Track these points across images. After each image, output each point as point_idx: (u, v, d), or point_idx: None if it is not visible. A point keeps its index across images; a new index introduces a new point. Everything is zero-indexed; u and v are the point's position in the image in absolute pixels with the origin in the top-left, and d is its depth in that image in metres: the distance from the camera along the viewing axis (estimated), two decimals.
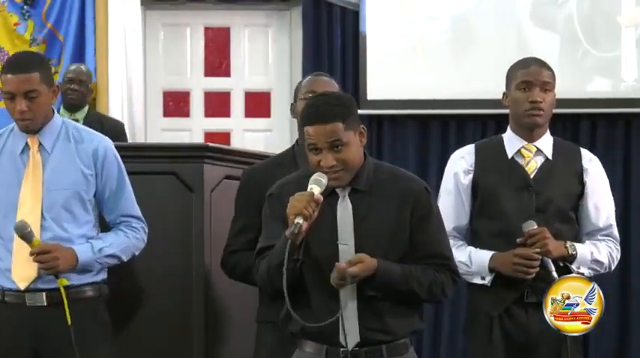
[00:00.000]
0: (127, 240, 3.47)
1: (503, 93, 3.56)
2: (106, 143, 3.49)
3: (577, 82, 6.80)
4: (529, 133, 3.51)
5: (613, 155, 6.76)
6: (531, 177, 3.47)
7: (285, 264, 2.66)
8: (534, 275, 3.35)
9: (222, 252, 3.50)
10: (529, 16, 6.81)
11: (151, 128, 7.09)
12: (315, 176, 2.75)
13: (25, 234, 3.25)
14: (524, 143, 3.51)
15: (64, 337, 3.25)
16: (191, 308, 3.86)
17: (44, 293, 3.32)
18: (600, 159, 3.32)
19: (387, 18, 6.79)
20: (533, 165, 3.50)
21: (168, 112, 7.30)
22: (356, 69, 6.82)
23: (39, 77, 3.36)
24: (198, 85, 7.28)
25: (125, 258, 3.48)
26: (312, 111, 2.82)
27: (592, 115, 6.80)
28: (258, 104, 7.28)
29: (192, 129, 7.24)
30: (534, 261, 3.34)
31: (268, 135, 7.16)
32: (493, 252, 3.42)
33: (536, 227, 3.35)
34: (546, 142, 3.53)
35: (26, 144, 3.41)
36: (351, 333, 2.77)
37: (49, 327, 3.32)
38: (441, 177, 3.67)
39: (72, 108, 6.05)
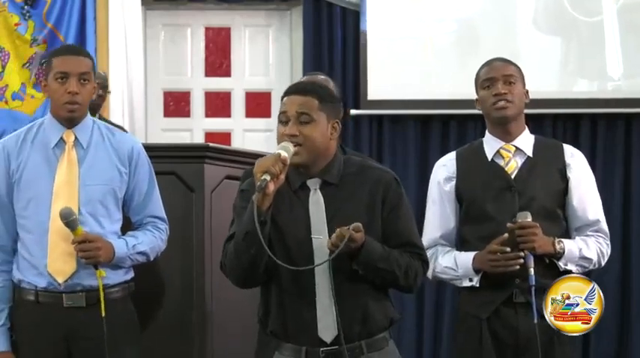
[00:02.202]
0: (155, 240, 3.50)
1: (475, 99, 3.56)
2: (139, 144, 3.54)
3: (577, 82, 6.81)
4: (506, 132, 3.49)
5: (613, 155, 6.75)
6: (512, 177, 3.46)
7: (257, 221, 2.63)
8: (518, 267, 3.31)
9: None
10: (531, 20, 6.80)
11: (151, 128, 7.09)
12: (282, 143, 2.81)
13: (70, 222, 3.24)
14: (503, 143, 3.50)
15: (99, 337, 3.25)
16: (191, 308, 3.86)
17: (83, 294, 3.32)
18: (600, 159, 3.30)
19: (388, 18, 6.79)
20: (513, 165, 3.48)
21: (168, 112, 7.30)
22: (356, 69, 6.81)
23: (91, 64, 3.43)
24: (198, 85, 7.28)
25: (152, 257, 3.51)
26: (294, 85, 2.93)
27: (592, 115, 6.79)
28: (258, 104, 7.28)
29: (193, 130, 7.25)
30: (509, 254, 3.31)
31: (269, 136, 7.14)
32: (475, 252, 3.42)
33: (530, 219, 3.32)
34: (525, 141, 3.52)
35: (61, 138, 3.40)
36: (329, 327, 2.77)
37: (84, 328, 3.31)
38: None
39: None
